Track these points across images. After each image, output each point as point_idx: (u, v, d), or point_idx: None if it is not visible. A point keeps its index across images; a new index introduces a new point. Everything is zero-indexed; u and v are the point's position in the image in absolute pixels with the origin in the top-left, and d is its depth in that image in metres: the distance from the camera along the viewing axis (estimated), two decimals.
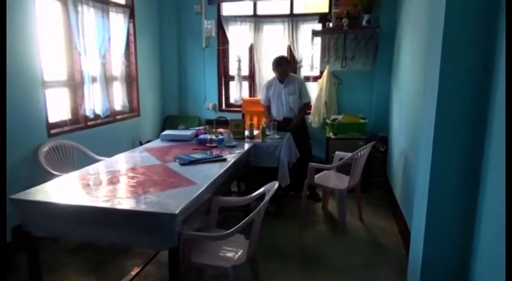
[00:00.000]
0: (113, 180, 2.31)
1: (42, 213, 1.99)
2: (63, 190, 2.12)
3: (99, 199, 1.96)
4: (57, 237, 2.43)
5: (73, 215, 1.93)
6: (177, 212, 1.76)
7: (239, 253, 2.09)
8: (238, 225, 1.88)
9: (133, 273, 2.55)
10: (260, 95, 5.31)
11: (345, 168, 3.52)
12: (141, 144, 4.27)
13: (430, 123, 1.77)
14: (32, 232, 2.01)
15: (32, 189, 2.10)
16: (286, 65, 4.03)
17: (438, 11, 1.72)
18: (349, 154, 3.35)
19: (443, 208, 1.80)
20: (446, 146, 1.74)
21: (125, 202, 1.92)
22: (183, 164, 2.62)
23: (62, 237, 2.43)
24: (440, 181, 1.78)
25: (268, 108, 4.27)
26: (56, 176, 2.70)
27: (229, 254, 2.10)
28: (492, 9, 1.57)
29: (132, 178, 2.33)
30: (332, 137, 4.28)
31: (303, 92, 4.06)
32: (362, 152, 3.33)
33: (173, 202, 1.88)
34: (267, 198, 2.02)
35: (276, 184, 2.16)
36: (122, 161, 2.76)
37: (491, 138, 1.57)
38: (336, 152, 3.76)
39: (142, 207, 1.85)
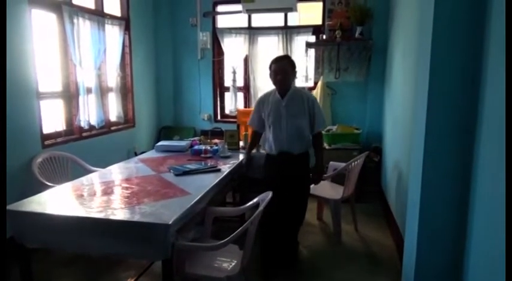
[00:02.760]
0: (107, 191, 2.31)
1: (35, 224, 1.98)
2: (57, 201, 2.12)
3: (93, 210, 1.96)
4: (50, 248, 2.40)
5: (67, 226, 1.92)
6: (170, 222, 1.77)
7: (233, 264, 2.09)
8: (232, 235, 1.88)
9: None
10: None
11: (339, 178, 3.53)
12: (136, 155, 4.27)
13: (421, 134, 1.80)
14: (24, 243, 1.99)
15: (25, 200, 2.10)
16: (290, 69, 2.69)
17: (426, 23, 1.77)
18: (343, 164, 3.37)
19: (435, 218, 1.81)
20: (436, 156, 1.76)
21: (118, 212, 1.92)
22: (177, 175, 2.62)
23: (55, 248, 2.41)
24: (431, 190, 1.79)
25: (256, 135, 2.99)
26: (49, 187, 2.69)
27: (224, 265, 2.10)
28: (479, 24, 1.61)
29: (127, 188, 2.33)
30: (326, 147, 4.30)
31: (316, 116, 2.73)
32: (356, 162, 3.35)
33: (167, 212, 1.89)
34: (260, 208, 2.03)
35: (270, 194, 2.17)
36: (116, 172, 2.76)
37: (479, 147, 1.59)
38: (330, 162, 3.78)
39: (136, 217, 1.85)
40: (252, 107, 5.31)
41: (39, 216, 1.95)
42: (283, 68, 2.67)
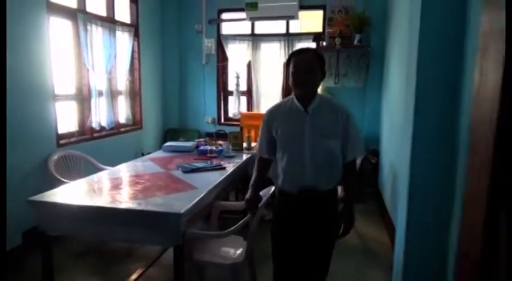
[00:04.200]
0: (121, 185, 2.50)
1: (57, 213, 2.16)
2: (75, 194, 2.30)
3: (110, 201, 2.14)
4: (71, 236, 2.59)
5: (86, 215, 2.11)
6: (182, 211, 1.95)
7: (238, 252, 2.27)
8: (238, 224, 2.07)
9: (136, 274, 2.71)
10: (257, 109, 5.61)
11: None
12: (143, 155, 4.45)
13: (408, 138, 2.00)
14: (47, 231, 2.18)
15: (47, 192, 2.29)
16: (317, 66, 1.84)
17: (414, 34, 1.96)
18: None
19: (422, 213, 1.99)
20: (423, 159, 1.95)
21: (134, 203, 2.10)
22: (185, 172, 2.81)
23: (75, 236, 2.60)
24: (418, 189, 1.98)
25: (265, 163, 2.04)
26: (64, 183, 2.88)
27: (229, 253, 2.28)
28: (461, 36, 1.80)
29: (139, 183, 2.51)
30: None
31: (352, 137, 1.89)
32: None
33: (178, 203, 2.07)
34: (263, 200, 2.21)
35: (272, 188, 2.35)
36: (127, 169, 2.94)
37: (459, 149, 1.78)
38: None
39: (150, 208, 2.03)
40: (255, 111, 5.58)
41: (61, 206, 2.14)
42: (308, 64, 1.80)
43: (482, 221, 0.82)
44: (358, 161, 3.58)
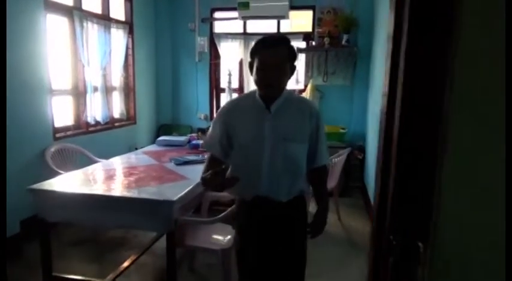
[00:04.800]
0: (116, 176, 2.63)
1: (55, 201, 2.29)
2: (73, 183, 2.43)
3: (106, 189, 2.28)
4: (69, 222, 2.72)
5: (83, 202, 2.24)
6: (174, 199, 2.09)
7: (227, 239, 2.42)
8: (226, 211, 2.22)
9: (129, 261, 2.84)
10: None
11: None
12: (136, 150, 4.57)
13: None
14: (46, 218, 2.30)
15: (45, 182, 2.41)
16: (287, 62, 1.59)
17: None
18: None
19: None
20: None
21: (129, 191, 2.24)
22: (178, 164, 2.94)
23: (73, 222, 2.72)
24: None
25: (215, 163, 1.68)
26: (60, 174, 2.99)
27: (219, 240, 2.43)
28: None
29: (133, 174, 2.65)
30: None
31: (321, 140, 1.70)
32: (338, 158, 3.70)
33: (171, 191, 2.21)
34: None
35: None
36: (122, 162, 3.07)
37: None
38: None
39: (145, 195, 2.17)
40: None
41: (59, 194, 2.27)
42: (279, 61, 1.54)
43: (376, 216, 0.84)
44: (342, 157, 3.75)
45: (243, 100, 1.75)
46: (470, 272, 0.66)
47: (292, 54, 1.60)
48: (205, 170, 1.63)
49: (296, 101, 1.69)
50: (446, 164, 0.66)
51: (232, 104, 1.77)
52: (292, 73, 1.62)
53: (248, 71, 5.18)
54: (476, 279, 0.67)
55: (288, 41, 1.59)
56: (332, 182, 3.74)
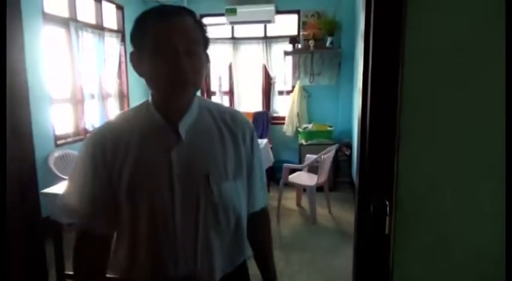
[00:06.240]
0: None
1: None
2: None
3: None
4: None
5: None
6: None
7: None
8: None
9: None
10: (238, 107, 5.95)
11: (315, 169, 4.11)
12: None
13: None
14: (58, 219, 2.47)
15: (56, 185, 2.58)
16: (201, 40, 0.94)
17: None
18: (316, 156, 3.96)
19: None
20: None
21: None
22: None
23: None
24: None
25: (97, 244, 1.00)
26: (64, 179, 3.15)
27: None
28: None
29: None
30: (304, 143, 4.88)
31: (258, 170, 1.11)
32: (327, 154, 3.93)
33: None
34: None
35: None
36: None
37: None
38: (307, 155, 4.35)
39: None
40: (236, 109, 5.85)
41: None
42: (187, 34, 0.92)
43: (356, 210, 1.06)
44: (331, 153, 3.99)
45: (130, 119, 1.01)
46: (422, 220, 0.96)
47: (204, 33, 0.96)
48: (77, 267, 1.01)
49: (216, 112, 1.04)
50: (403, 145, 0.93)
51: (109, 127, 1.01)
52: (207, 68, 1.00)
53: (237, 74, 5.47)
54: (426, 224, 0.96)
55: (193, 13, 0.96)
56: (322, 178, 3.98)
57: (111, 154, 0.95)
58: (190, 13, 0.96)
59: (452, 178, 0.93)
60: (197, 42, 0.94)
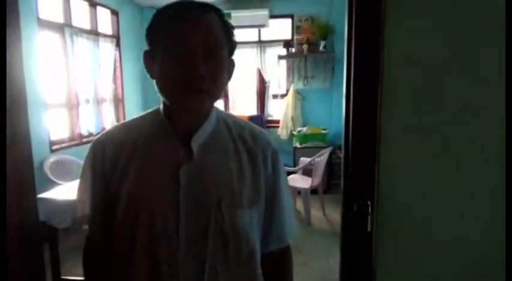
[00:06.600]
0: None
1: (62, 208, 2.49)
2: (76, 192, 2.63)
3: None
4: (75, 228, 2.90)
5: None
6: None
7: None
8: None
9: None
10: (233, 111, 5.94)
11: (310, 172, 4.15)
12: None
13: None
14: (54, 224, 2.49)
15: (50, 191, 2.61)
16: (225, 43, 0.81)
17: None
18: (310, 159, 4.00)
19: None
20: None
21: None
22: None
23: (78, 228, 2.90)
24: None
25: (95, 254, 0.92)
26: (59, 184, 3.17)
27: None
28: None
29: None
30: (298, 146, 4.92)
31: (278, 199, 0.91)
32: (321, 157, 3.98)
33: None
34: None
35: None
36: None
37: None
38: (301, 158, 4.40)
39: None
40: (230, 112, 5.73)
41: (65, 202, 2.46)
42: (209, 36, 0.79)
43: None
44: (325, 156, 4.03)
45: (136, 127, 0.91)
46: (402, 219, 1.02)
47: (230, 35, 0.83)
48: (85, 274, 0.94)
49: (234, 127, 0.91)
50: (384, 149, 0.99)
51: (112, 136, 0.91)
52: (230, 75, 0.88)
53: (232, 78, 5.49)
54: (406, 223, 1.02)
55: (220, 11, 0.83)
56: (316, 180, 4.02)
57: (110, 165, 0.85)
58: (217, 11, 0.82)
59: (430, 179, 0.98)
60: (220, 45, 0.80)
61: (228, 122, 0.92)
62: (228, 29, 0.83)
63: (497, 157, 0.92)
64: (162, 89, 0.83)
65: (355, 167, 1.02)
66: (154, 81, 0.84)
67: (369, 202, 0.98)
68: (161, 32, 0.80)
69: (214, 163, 0.84)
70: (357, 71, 0.98)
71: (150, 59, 0.85)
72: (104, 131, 0.94)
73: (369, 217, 0.97)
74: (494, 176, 0.93)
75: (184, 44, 0.76)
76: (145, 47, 0.87)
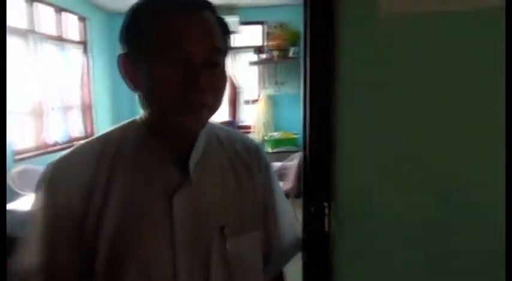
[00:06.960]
0: None
1: (25, 220, 2.41)
2: None
3: None
4: None
5: None
6: None
7: None
8: None
9: None
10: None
11: (283, 177, 4.19)
12: None
13: None
14: (18, 236, 2.41)
15: (13, 203, 2.53)
16: (223, 47, 0.68)
17: None
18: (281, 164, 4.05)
19: None
20: None
21: None
22: None
23: None
24: None
25: None
26: (23, 196, 3.09)
27: None
28: None
29: None
30: (270, 151, 4.96)
31: (275, 215, 0.82)
32: (291, 162, 4.03)
33: None
34: None
35: None
36: None
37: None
38: (273, 163, 4.42)
39: None
40: None
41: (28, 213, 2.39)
42: (210, 37, 0.65)
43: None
44: (295, 161, 4.08)
45: (108, 147, 0.72)
46: (359, 220, 1.05)
47: (226, 35, 0.71)
48: None
49: (226, 140, 0.80)
50: (340, 153, 1.03)
51: (75, 161, 0.71)
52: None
53: None
54: (363, 225, 1.05)
55: (212, 6, 0.68)
56: (288, 184, 4.06)
57: (79, 203, 0.65)
58: (209, 6, 0.67)
59: (386, 183, 1.02)
60: (219, 50, 0.66)
61: (219, 134, 0.79)
62: (225, 29, 0.70)
63: (457, 158, 0.97)
64: (151, 102, 0.67)
65: (312, 170, 1.05)
66: (138, 93, 0.69)
67: (325, 204, 1.02)
68: (147, 32, 0.63)
69: (212, 183, 0.72)
70: (312, 73, 1.03)
71: (130, 64, 0.68)
72: (58, 159, 0.70)
73: (325, 218, 1.00)
74: (445, 174, 0.99)
75: (180, 49, 0.62)
76: (121, 50, 0.70)
